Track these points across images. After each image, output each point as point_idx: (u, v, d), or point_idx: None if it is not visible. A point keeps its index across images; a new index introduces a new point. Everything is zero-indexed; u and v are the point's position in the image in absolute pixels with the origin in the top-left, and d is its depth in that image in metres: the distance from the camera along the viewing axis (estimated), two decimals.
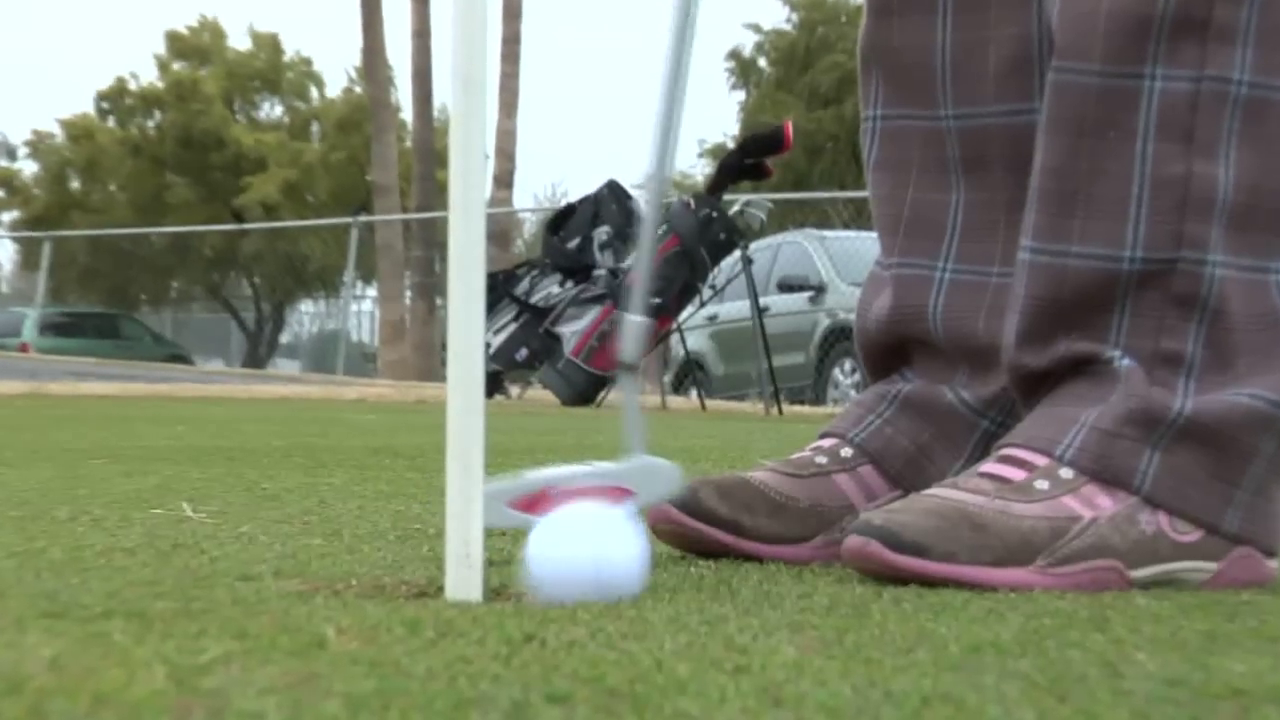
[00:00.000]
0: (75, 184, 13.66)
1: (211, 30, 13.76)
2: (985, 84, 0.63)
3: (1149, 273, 0.58)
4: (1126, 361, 0.57)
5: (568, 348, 3.53)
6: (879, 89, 0.66)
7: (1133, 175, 0.57)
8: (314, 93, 13.88)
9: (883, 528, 0.55)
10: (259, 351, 12.10)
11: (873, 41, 0.66)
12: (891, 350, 0.67)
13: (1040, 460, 0.57)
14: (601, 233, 3.69)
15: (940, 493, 0.57)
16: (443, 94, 9.27)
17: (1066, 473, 0.56)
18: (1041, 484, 0.56)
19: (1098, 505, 0.56)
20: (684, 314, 3.67)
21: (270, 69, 13.73)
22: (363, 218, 7.52)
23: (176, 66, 13.58)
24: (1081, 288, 0.58)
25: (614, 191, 3.76)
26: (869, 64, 0.67)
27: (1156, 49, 0.57)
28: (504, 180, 7.62)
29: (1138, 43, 0.57)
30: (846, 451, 0.65)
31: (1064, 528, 0.55)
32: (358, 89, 12.57)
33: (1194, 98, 0.57)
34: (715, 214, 3.51)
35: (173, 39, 13.75)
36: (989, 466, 0.58)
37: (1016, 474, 0.57)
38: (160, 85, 13.42)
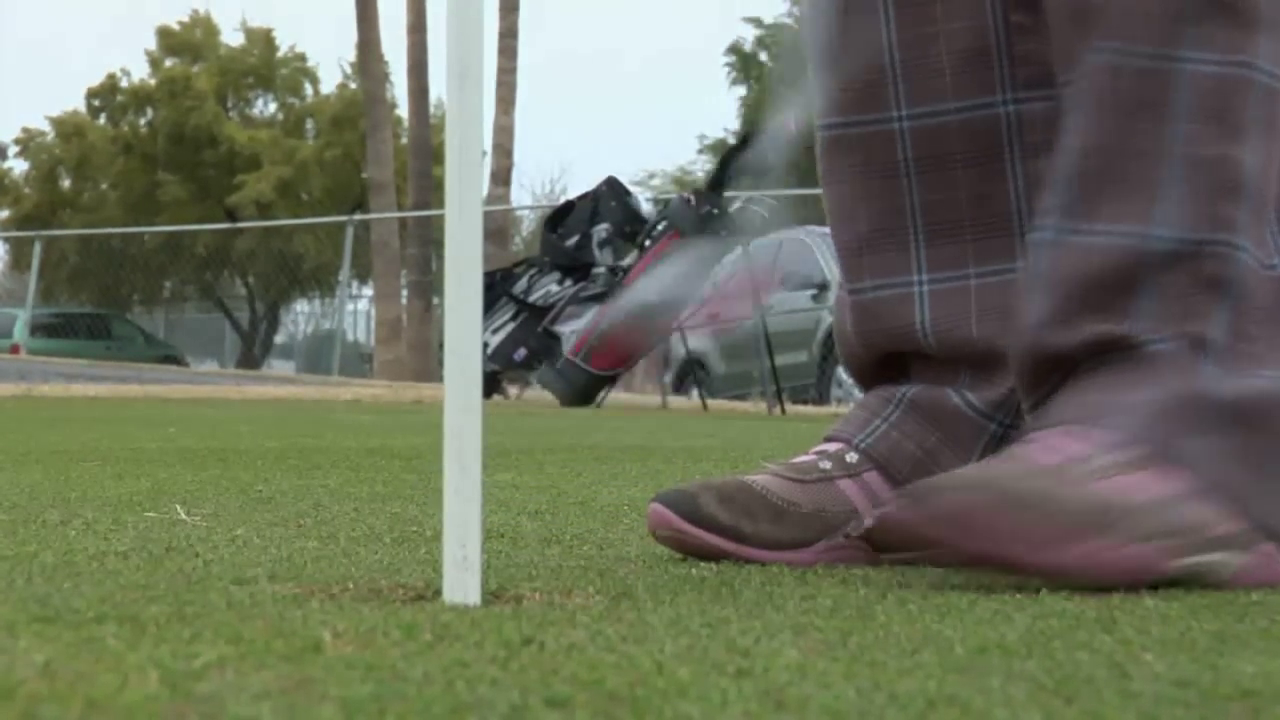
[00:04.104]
0: (66, 183, 13.58)
1: (203, 26, 13.68)
2: (940, 81, 0.62)
3: (1182, 254, 0.57)
4: (1163, 345, 0.56)
5: (566, 347, 3.53)
6: (828, 95, 0.65)
7: (1169, 156, 0.56)
8: (308, 89, 13.82)
9: (951, 515, 0.51)
10: (253, 352, 12.06)
11: (818, 45, 0.65)
12: (887, 365, 0.66)
13: (1089, 440, 0.55)
14: (600, 230, 3.68)
15: (1008, 468, 0.53)
16: (439, 89, 9.37)
17: (1119, 455, 0.54)
18: (1099, 461, 0.53)
19: (1148, 490, 0.54)
20: (685, 312, 3.69)
21: (263, 65, 13.65)
22: (358, 216, 7.49)
23: (168, 63, 13.51)
24: (1113, 268, 0.57)
25: (613, 188, 3.76)
26: (818, 68, 0.65)
27: (1192, 31, 0.56)
28: (501, 177, 7.59)
29: (1175, 24, 0.56)
30: (852, 457, 0.64)
31: (1118, 508, 0.53)
32: (352, 85, 12.52)
33: (1225, 81, 0.56)
34: (716, 211, 3.51)
35: (164, 35, 13.66)
36: (1041, 443, 0.55)
37: (1073, 449, 0.54)
38: (152, 82, 13.35)
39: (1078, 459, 0.54)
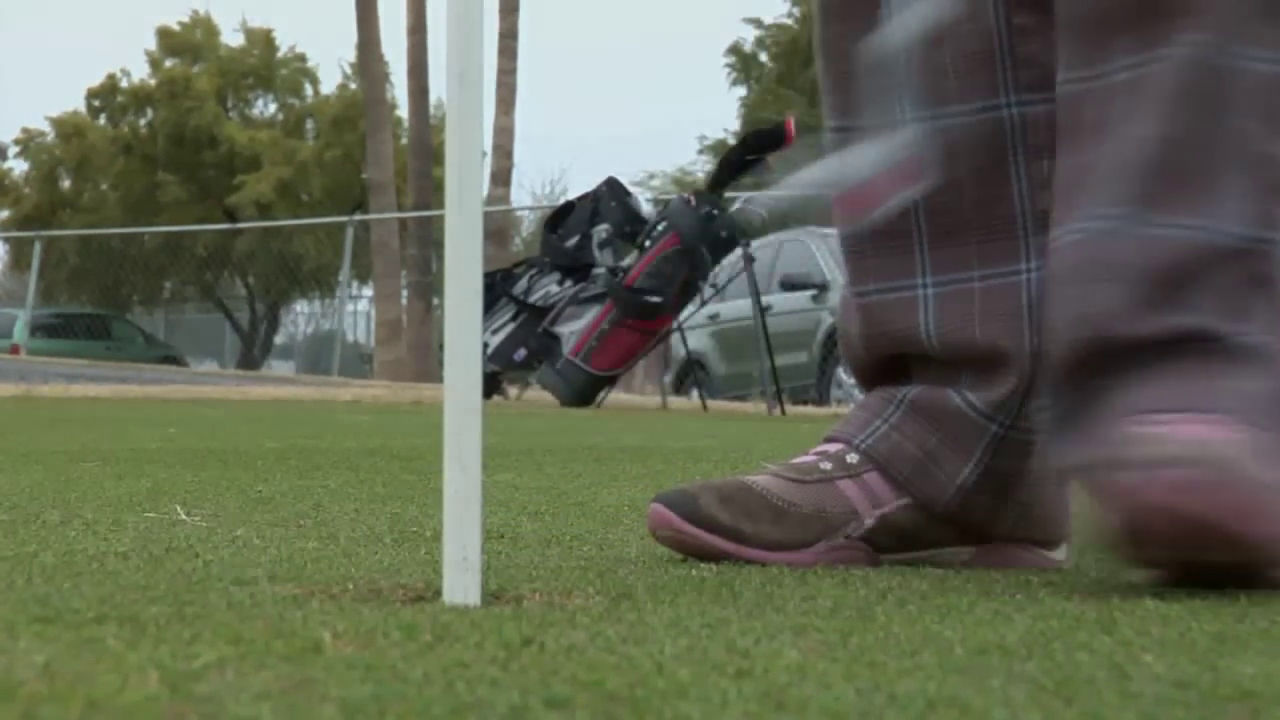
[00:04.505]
0: (66, 183, 13.56)
1: (204, 26, 13.66)
2: (945, 83, 0.63)
3: (1239, 250, 0.56)
4: (1232, 340, 0.56)
5: (567, 347, 3.53)
6: (832, 96, 0.65)
7: (1230, 152, 0.57)
8: (308, 89, 13.79)
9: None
10: (253, 352, 12.06)
11: (822, 46, 0.65)
12: (888, 367, 0.66)
13: (1236, 424, 0.53)
14: (600, 231, 3.68)
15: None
16: (439, 90, 9.24)
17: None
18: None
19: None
20: (685, 313, 3.66)
21: (263, 65, 13.63)
22: (358, 216, 7.50)
23: (168, 63, 13.49)
24: (1182, 260, 0.57)
25: (613, 189, 3.76)
26: (822, 69, 0.66)
27: (1253, 28, 0.57)
28: (501, 178, 7.59)
29: (1240, 21, 0.56)
30: (852, 457, 0.64)
31: None
32: (353, 85, 12.51)
33: (1277, 80, 0.57)
34: (716, 211, 3.49)
35: (164, 35, 13.64)
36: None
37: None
38: (152, 82, 13.34)
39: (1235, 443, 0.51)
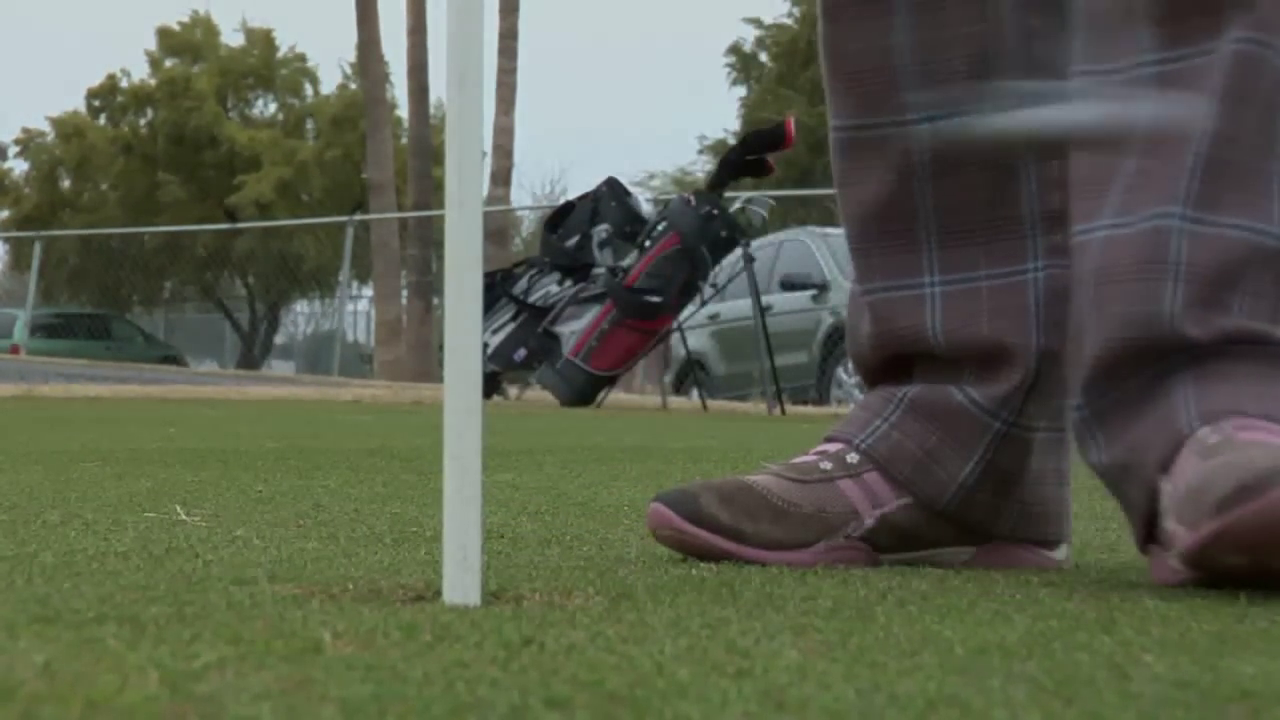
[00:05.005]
0: (66, 183, 13.58)
1: (204, 26, 13.67)
2: (958, 82, 0.62)
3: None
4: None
5: (566, 347, 3.53)
6: (838, 97, 0.65)
7: (1277, 152, 0.56)
8: (308, 89, 13.80)
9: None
10: (253, 352, 12.07)
11: (827, 47, 0.65)
12: (892, 365, 0.66)
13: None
14: (600, 231, 3.68)
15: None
16: (439, 90, 9.27)
17: None
18: None
19: None
20: (685, 313, 3.66)
21: (263, 65, 13.65)
22: (358, 216, 7.52)
23: (168, 63, 13.51)
24: (1238, 261, 0.56)
25: (613, 189, 3.76)
26: (828, 70, 0.65)
27: None
28: (501, 178, 7.60)
29: None
30: (853, 457, 0.64)
31: None
32: (353, 85, 12.52)
33: None
34: (716, 211, 3.48)
35: (164, 35, 13.67)
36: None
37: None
38: (152, 82, 13.35)
39: None
